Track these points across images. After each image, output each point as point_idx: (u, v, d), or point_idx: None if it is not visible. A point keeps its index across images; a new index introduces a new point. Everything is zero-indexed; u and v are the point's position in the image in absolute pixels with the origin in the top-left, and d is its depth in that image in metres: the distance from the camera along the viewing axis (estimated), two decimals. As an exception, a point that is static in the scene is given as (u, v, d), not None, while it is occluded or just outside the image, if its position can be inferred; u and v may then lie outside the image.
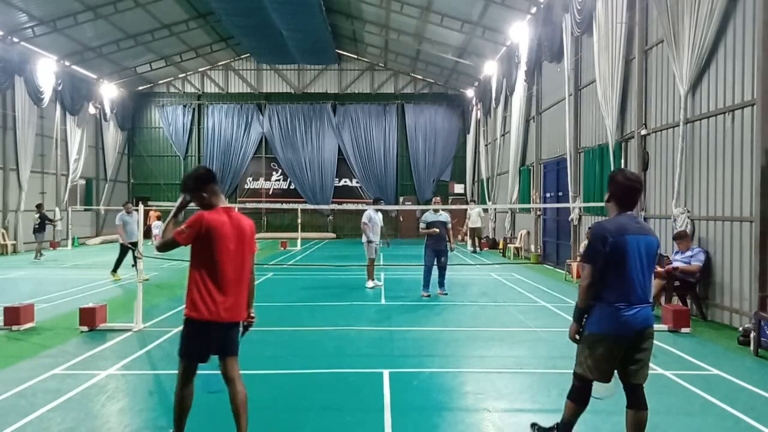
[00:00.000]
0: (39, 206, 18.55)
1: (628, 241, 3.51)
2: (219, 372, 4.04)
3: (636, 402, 3.62)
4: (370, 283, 11.72)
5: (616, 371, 3.63)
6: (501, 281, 12.99)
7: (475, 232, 21.33)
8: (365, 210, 11.93)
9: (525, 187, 18.95)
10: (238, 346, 4.04)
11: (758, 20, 7.55)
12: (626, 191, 3.63)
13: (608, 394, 3.67)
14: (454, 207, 23.89)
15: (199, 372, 4.02)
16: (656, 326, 7.83)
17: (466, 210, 22.29)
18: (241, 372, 5.94)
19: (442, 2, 19.49)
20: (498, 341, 7.29)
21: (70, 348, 6.80)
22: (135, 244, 11.74)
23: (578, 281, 12.74)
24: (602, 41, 12.00)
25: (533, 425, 4.18)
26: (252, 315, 4.12)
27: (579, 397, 3.75)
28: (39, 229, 18.15)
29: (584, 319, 3.68)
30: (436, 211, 10.70)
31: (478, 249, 21.11)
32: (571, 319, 3.87)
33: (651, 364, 6.04)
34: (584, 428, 4.13)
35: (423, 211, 11.11)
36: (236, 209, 4.28)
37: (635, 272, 3.52)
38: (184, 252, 4.03)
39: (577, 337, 3.73)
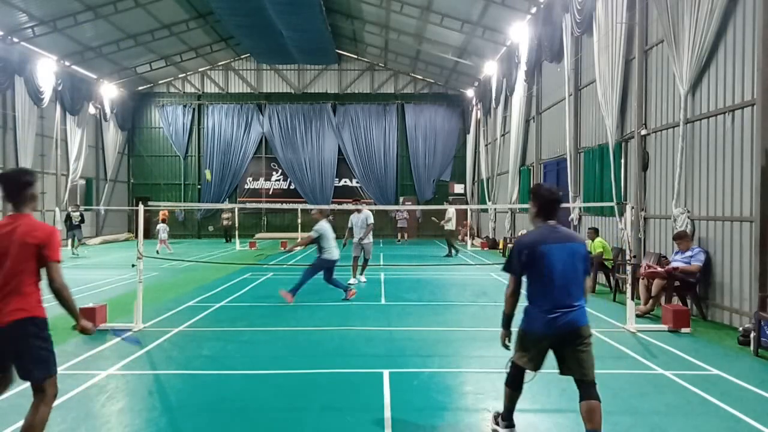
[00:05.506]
0: (77, 205, 19.70)
1: (545, 250, 3.85)
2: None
3: (585, 395, 3.84)
4: (352, 281, 12.28)
5: (560, 368, 3.99)
6: (501, 281, 12.98)
7: (451, 234, 19.38)
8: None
9: (525, 187, 18.95)
10: (31, 363, 3.60)
11: (758, 20, 7.56)
12: (549, 203, 4.01)
13: (530, 378, 4.19)
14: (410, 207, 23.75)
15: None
16: (656, 326, 7.90)
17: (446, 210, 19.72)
18: (242, 372, 5.98)
19: (442, 2, 19.48)
20: (498, 341, 7.27)
21: (70, 348, 6.80)
22: None
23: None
24: (602, 41, 12.00)
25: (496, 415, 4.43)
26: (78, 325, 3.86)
27: (514, 382, 4.15)
28: (77, 226, 19.39)
29: (510, 325, 4.13)
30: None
31: (454, 253, 18.97)
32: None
33: (651, 364, 6.10)
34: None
35: (423, 211, 11.12)
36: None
37: (555, 278, 3.83)
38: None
39: (507, 342, 4.15)
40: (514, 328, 4.13)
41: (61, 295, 3.65)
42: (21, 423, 4.41)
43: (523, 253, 3.90)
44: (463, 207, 26.20)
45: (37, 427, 3.58)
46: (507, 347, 4.17)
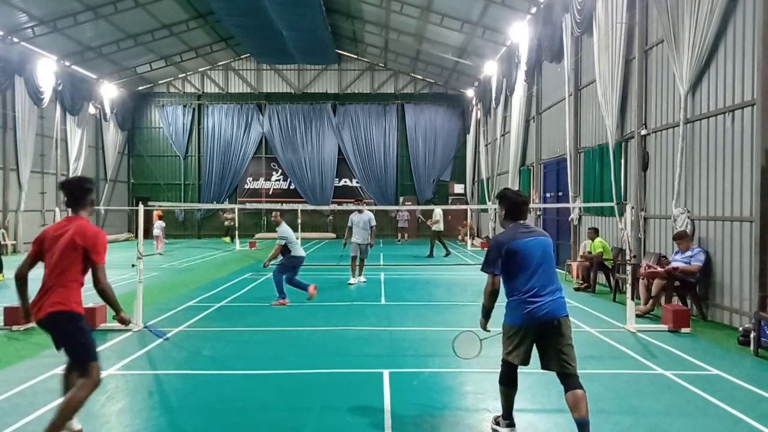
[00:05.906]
0: None
1: (520, 245, 4.02)
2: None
3: (569, 385, 3.90)
4: (352, 280, 12.30)
5: (541, 363, 4.09)
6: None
7: (438, 236, 19.31)
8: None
9: (525, 187, 18.93)
10: (72, 349, 3.93)
11: (758, 20, 7.55)
12: (516, 206, 4.20)
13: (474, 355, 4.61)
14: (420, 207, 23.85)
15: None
16: (656, 326, 7.90)
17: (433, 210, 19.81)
18: (243, 372, 5.98)
19: (442, 2, 19.49)
20: (498, 341, 7.27)
21: (70, 348, 6.79)
22: None
23: (578, 281, 12.71)
24: (602, 41, 12.00)
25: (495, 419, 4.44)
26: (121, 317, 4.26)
27: (507, 380, 4.22)
28: None
29: (490, 315, 4.39)
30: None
31: (428, 254, 19.14)
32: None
33: (651, 364, 6.10)
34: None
35: (423, 212, 11.16)
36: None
37: (531, 270, 3.99)
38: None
39: (488, 329, 4.42)
40: (498, 327, 4.25)
41: (105, 294, 4.02)
42: (21, 423, 4.44)
43: (501, 250, 4.04)
44: (463, 207, 26.23)
45: (71, 405, 3.77)
46: (487, 331, 4.45)
